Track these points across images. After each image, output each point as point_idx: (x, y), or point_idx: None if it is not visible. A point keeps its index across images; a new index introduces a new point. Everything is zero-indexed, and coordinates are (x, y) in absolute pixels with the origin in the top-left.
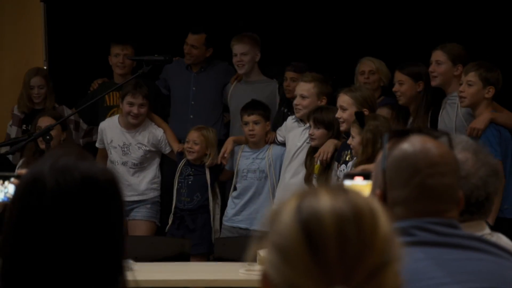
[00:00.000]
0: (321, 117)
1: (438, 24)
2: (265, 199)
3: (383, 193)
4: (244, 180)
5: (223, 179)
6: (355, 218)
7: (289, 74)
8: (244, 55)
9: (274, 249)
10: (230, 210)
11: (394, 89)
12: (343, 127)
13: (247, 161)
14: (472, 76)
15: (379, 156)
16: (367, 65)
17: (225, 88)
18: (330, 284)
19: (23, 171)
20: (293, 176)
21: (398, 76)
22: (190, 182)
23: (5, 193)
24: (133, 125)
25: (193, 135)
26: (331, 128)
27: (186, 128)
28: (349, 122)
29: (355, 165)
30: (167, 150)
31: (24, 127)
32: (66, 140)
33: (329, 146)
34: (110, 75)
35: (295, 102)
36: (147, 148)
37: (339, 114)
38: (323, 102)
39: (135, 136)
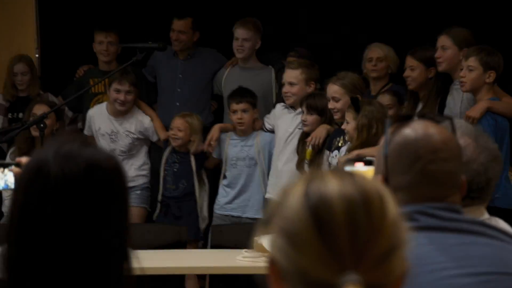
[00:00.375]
0: (314, 103)
1: (447, 7)
2: (256, 186)
3: (385, 179)
4: (233, 168)
5: (210, 167)
6: (364, 203)
7: (291, 60)
8: (246, 40)
9: (282, 234)
10: (221, 198)
11: (404, 75)
12: (337, 116)
13: (235, 148)
14: (472, 61)
15: (381, 141)
16: (376, 51)
17: (217, 75)
18: (341, 269)
19: (22, 158)
20: (286, 163)
21: (410, 61)
22: (175, 170)
23: (5, 181)
24: (121, 112)
25: (177, 122)
26: (324, 114)
27: (172, 115)
28: (343, 111)
29: (350, 149)
30: (154, 138)
31: (10, 115)
32: (59, 130)
33: (321, 131)
34: (96, 62)
35: (283, 89)
36: (135, 136)
37: (331, 105)
38: (312, 87)
39: (123, 123)
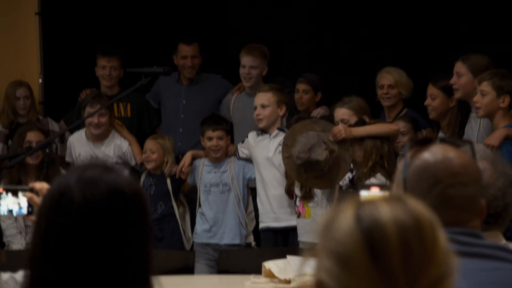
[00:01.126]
0: None
1: (465, 33)
2: (231, 212)
3: None
4: (208, 194)
5: (185, 191)
6: (417, 228)
7: (301, 86)
8: (254, 68)
9: (332, 257)
10: (199, 227)
11: (426, 103)
12: None
13: (209, 175)
14: (485, 86)
15: (400, 165)
16: (386, 78)
17: (224, 101)
18: None
19: (36, 184)
20: (275, 188)
21: (431, 89)
22: (152, 193)
23: (19, 206)
24: (98, 136)
25: (149, 144)
26: None
27: (176, 141)
28: None
29: (360, 170)
30: (133, 162)
31: (9, 142)
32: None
33: None
34: (98, 86)
35: (255, 113)
36: (114, 160)
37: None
38: (283, 110)
39: (101, 148)
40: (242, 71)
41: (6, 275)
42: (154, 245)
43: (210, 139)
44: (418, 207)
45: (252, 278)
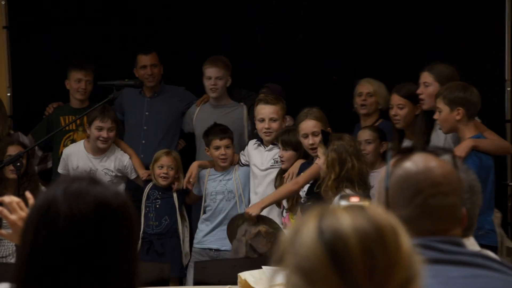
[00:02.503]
0: (289, 139)
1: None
2: None
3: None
4: (213, 202)
5: (190, 203)
6: (378, 236)
7: (266, 96)
8: (219, 79)
9: (297, 272)
10: (200, 232)
11: (392, 113)
12: (315, 153)
13: (214, 183)
14: (439, 102)
15: (382, 174)
16: (365, 87)
17: (187, 113)
18: None
19: (5, 197)
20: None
21: (397, 99)
22: (158, 206)
23: None
24: (100, 150)
25: (166, 160)
26: (299, 148)
27: (138, 153)
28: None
29: (324, 182)
30: (132, 176)
31: None
32: (28, 168)
33: (296, 167)
34: (66, 99)
35: (264, 126)
36: (113, 174)
37: (312, 140)
38: (285, 123)
39: (102, 161)
40: (207, 82)
41: None
42: (156, 260)
43: (217, 148)
44: (379, 214)
45: None
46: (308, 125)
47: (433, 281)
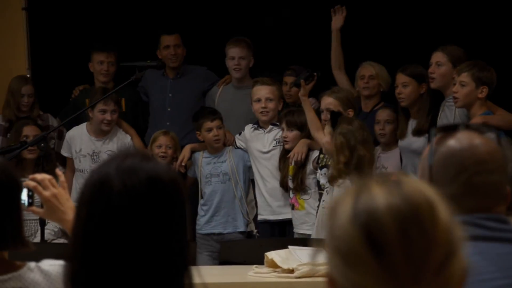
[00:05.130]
0: (293, 119)
1: (439, 27)
2: (232, 200)
3: None
4: (209, 185)
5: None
6: (413, 215)
7: (288, 79)
8: (242, 59)
9: (335, 253)
10: (201, 218)
11: (397, 91)
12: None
13: (209, 166)
14: (464, 77)
15: (426, 151)
16: (367, 69)
17: (209, 93)
18: (400, 285)
19: (37, 175)
20: (270, 181)
21: (401, 78)
22: None
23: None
24: (103, 132)
25: (164, 140)
26: (304, 129)
27: None
28: None
29: (333, 165)
30: None
31: (8, 135)
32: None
33: (302, 146)
34: (91, 81)
35: (260, 105)
36: None
37: (325, 116)
38: (281, 104)
39: (105, 143)
40: (231, 63)
41: (32, 265)
42: None
43: (209, 130)
44: (415, 189)
45: (254, 268)
46: (325, 101)
47: (479, 258)
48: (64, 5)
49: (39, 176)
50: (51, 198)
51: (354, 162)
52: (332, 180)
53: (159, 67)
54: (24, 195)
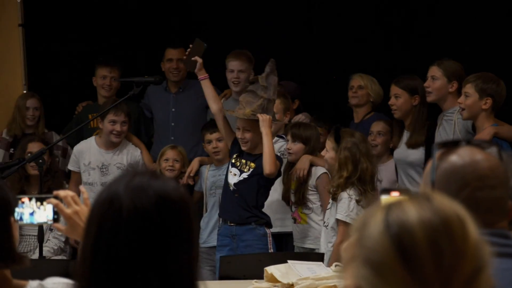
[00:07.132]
0: (299, 133)
1: (437, 41)
2: None
3: None
4: (212, 197)
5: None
6: (445, 228)
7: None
8: (242, 72)
9: (366, 264)
10: (202, 232)
11: (390, 103)
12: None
13: (213, 178)
14: (468, 88)
15: (428, 167)
16: (356, 80)
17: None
18: None
19: (61, 192)
20: (271, 194)
21: (394, 89)
22: None
23: (45, 214)
24: (113, 144)
25: (172, 154)
26: (308, 143)
27: None
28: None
29: (334, 180)
30: None
31: (11, 150)
32: (51, 165)
33: (304, 162)
34: (93, 97)
35: (234, 76)
36: (125, 168)
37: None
38: (287, 117)
39: (114, 156)
40: (230, 75)
41: (34, 283)
42: None
43: (209, 142)
44: (445, 204)
45: (254, 283)
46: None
47: None
48: (61, 22)
49: (62, 192)
50: (73, 215)
51: (357, 176)
52: (333, 196)
53: (157, 82)
54: (50, 211)
